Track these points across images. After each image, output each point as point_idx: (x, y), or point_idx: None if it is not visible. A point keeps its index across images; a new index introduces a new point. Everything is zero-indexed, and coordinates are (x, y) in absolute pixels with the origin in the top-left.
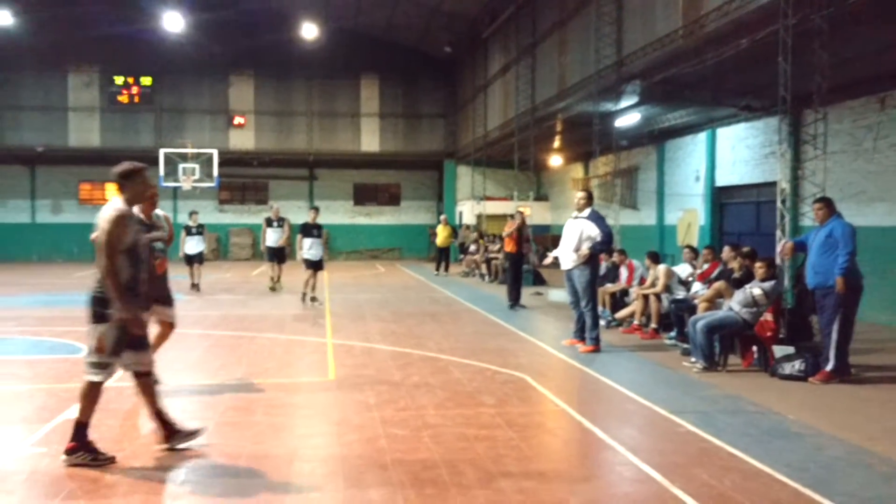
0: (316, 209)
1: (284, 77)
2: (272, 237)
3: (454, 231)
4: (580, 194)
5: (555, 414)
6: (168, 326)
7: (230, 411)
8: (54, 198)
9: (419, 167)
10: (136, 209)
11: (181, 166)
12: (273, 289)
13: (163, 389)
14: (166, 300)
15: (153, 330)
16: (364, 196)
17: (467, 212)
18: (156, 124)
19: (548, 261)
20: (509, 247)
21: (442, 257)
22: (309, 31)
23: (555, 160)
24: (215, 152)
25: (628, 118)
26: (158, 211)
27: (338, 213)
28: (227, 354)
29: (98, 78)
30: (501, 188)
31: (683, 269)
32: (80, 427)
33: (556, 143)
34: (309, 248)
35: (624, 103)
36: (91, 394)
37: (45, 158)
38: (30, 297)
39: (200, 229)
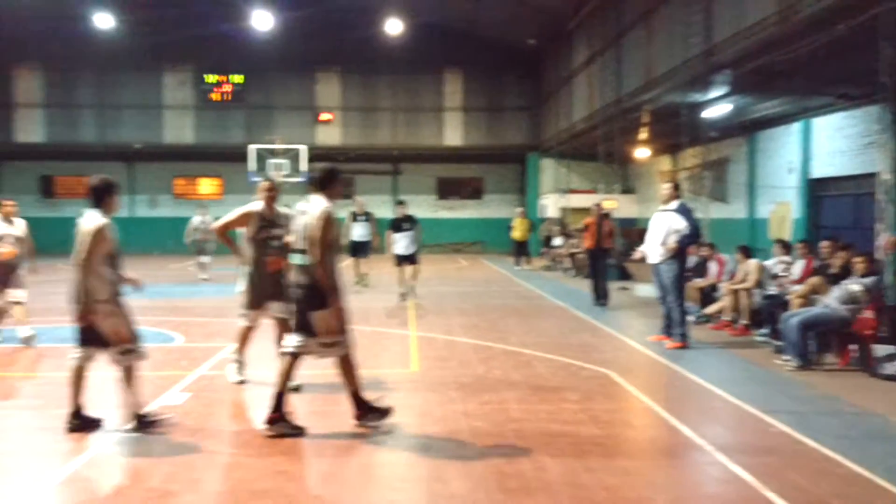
0: (401, 202)
1: (370, 73)
2: (357, 231)
3: (532, 224)
4: (665, 186)
5: (640, 411)
6: (283, 324)
7: (317, 401)
8: (151, 193)
9: (502, 160)
10: (260, 206)
11: (270, 162)
12: (364, 284)
13: (254, 379)
14: (281, 297)
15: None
16: (447, 190)
17: (551, 205)
18: (246, 121)
19: (636, 256)
20: (588, 242)
21: (521, 251)
22: (394, 26)
23: (641, 152)
24: (303, 148)
25: (718, 109)
26: (283, 208)
27: (421, 207)
28: None
29: (192, 77)
30: (586, 181)
31: (776, 264)
32: (279, 397)
33: (643, 135)
34: (397, 243)
35: (713, 93)
36: (287, 370)
37: (143, 155)
38: (128, 288)
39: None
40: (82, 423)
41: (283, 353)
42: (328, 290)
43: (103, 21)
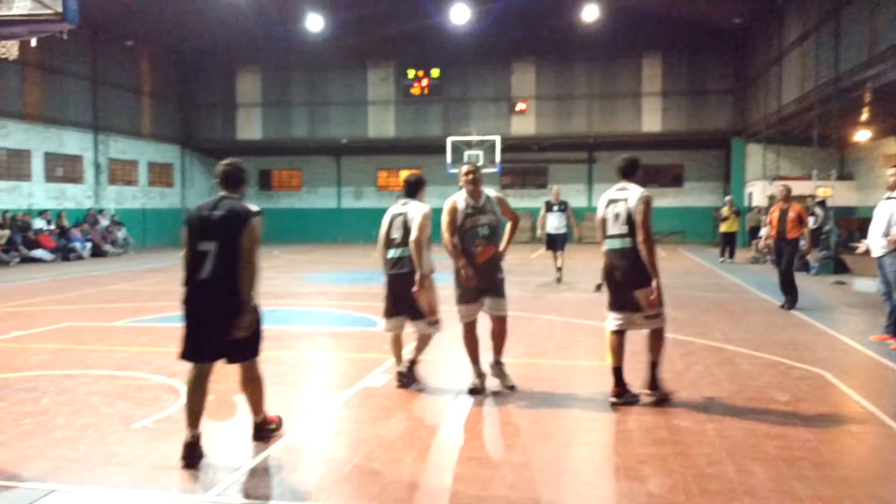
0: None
1: (565, 61)
2: (553, 222)
3: (738, 213)
4: (891, 171)
5: (860, 416)
6: (498, 320)
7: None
8: (356, 185)
9: (704, 146)
10: (463, 195)
11: (466, 153)
12: (558, 280)
13: (444, 367)
14: (495, 291)
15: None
16: (645, 178)
17: (757, 193)
18: (444, 114)
19: (860, 249)
20: (772, 231)
21: (727, 243)
22: (590, 13)
23: (862, 134)
24: (498, 138)
25: None
26: (490, 192)
27: None
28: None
29: (393, 72)
30: (797, 167)
31: None
32: (617, 372)
33: (864, 116)
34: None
35: None
36: (617, 344)
37: (349, 149)
38: (335, 275)
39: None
40: (407, 379)
41: (610, 332)
42: (653, 267)
43: (314, 23)
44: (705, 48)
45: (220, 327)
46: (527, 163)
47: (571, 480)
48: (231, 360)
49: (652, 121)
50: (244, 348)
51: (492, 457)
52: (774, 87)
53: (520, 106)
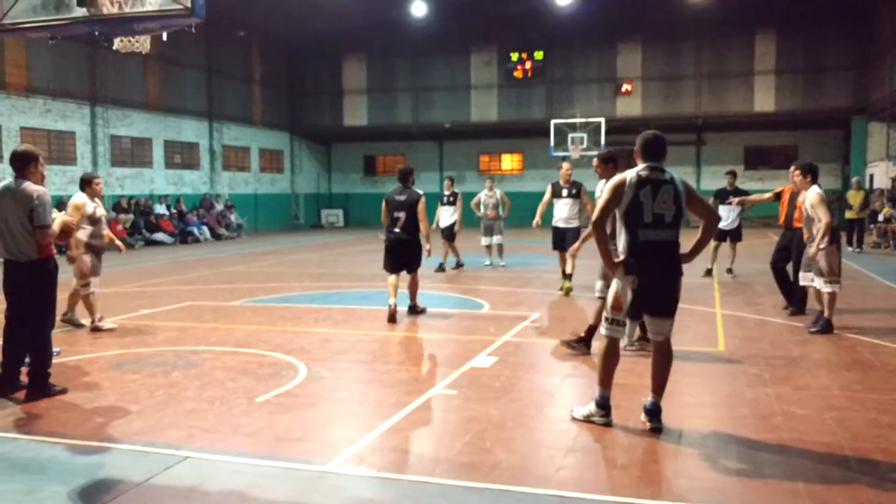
0: (732, 174)
1: (672, 40)
2: (561, 212)
3: (867, 197)
4: None
5: None
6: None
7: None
8: (458, 169)
9: (821, 126)
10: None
11: (570, 136)
12: (568, 291)
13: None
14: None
15: None
16: (756, 159)
17: (879, 174)
18: (547, 96)
19: None
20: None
21: (854, 229)
22: None
23: None
24: (602, 120)
25: None
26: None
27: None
28: None
29: (496, 56)
30: None
31: None
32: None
33: None
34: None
35: None
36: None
37: (451, 133)
38: (436, 258)
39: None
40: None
41: (826, 293)
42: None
43: (418, 9)
44: (824, 22)
45: (402, 256)
46: (632, 145)
47: (686, 461)
48: (409, 271)
49: (765, 100)
50: (414, 265)
51: (602, 439)
52: None
53: (625, 87)
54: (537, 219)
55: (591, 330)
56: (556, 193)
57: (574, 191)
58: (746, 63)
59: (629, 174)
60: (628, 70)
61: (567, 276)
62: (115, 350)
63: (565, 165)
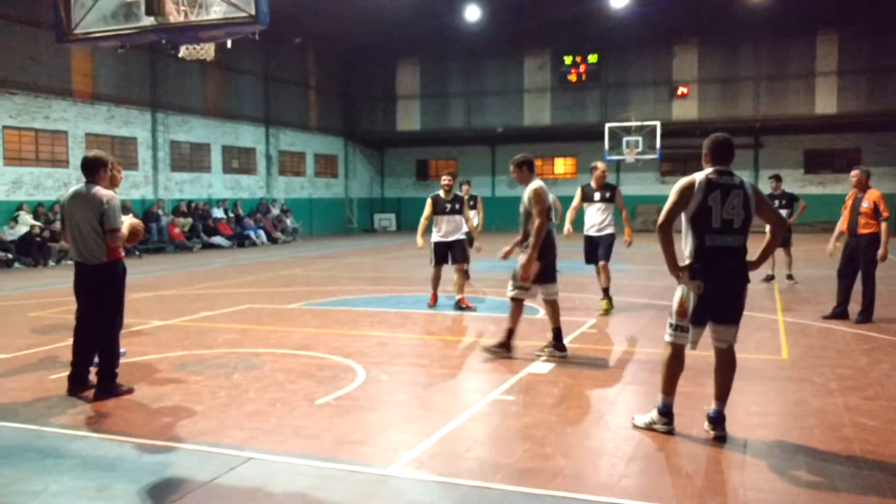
0: (776, 177)
1: (729, 42)
2: (593, 218)
3: None
4: None
5: None
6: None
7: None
8: (508, 174)
9: (885, 128)
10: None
11: (625, 139)
12: (608, 310)
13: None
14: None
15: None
16: (816, 163)
17: None
18: (601, 100)
19: None
20: (843, 225)
21: None
22: None
23: None
24: (658, 124)
25: None
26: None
27: (785, 182)
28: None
29: (550, 60)
30: None
31: None
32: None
33: None
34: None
35: None
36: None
37: (503, 137)
38: (489, 263)
39: None
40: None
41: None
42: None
43: (471, 13)
44: (889, 21)
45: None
46: (688, 149)
47: (751, 472)
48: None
49: (826, 102)
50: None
51: (665, 448)
52: None
53: (681, 90)
54: (567, 226)
55: (510, 333)
56: (587, 197)
57: (608, 194)
58: (807, 64)
59: (698, 177)
60: (684, 72)
61: (606, 293)
62: (177, 351)
63: (600, 165)
